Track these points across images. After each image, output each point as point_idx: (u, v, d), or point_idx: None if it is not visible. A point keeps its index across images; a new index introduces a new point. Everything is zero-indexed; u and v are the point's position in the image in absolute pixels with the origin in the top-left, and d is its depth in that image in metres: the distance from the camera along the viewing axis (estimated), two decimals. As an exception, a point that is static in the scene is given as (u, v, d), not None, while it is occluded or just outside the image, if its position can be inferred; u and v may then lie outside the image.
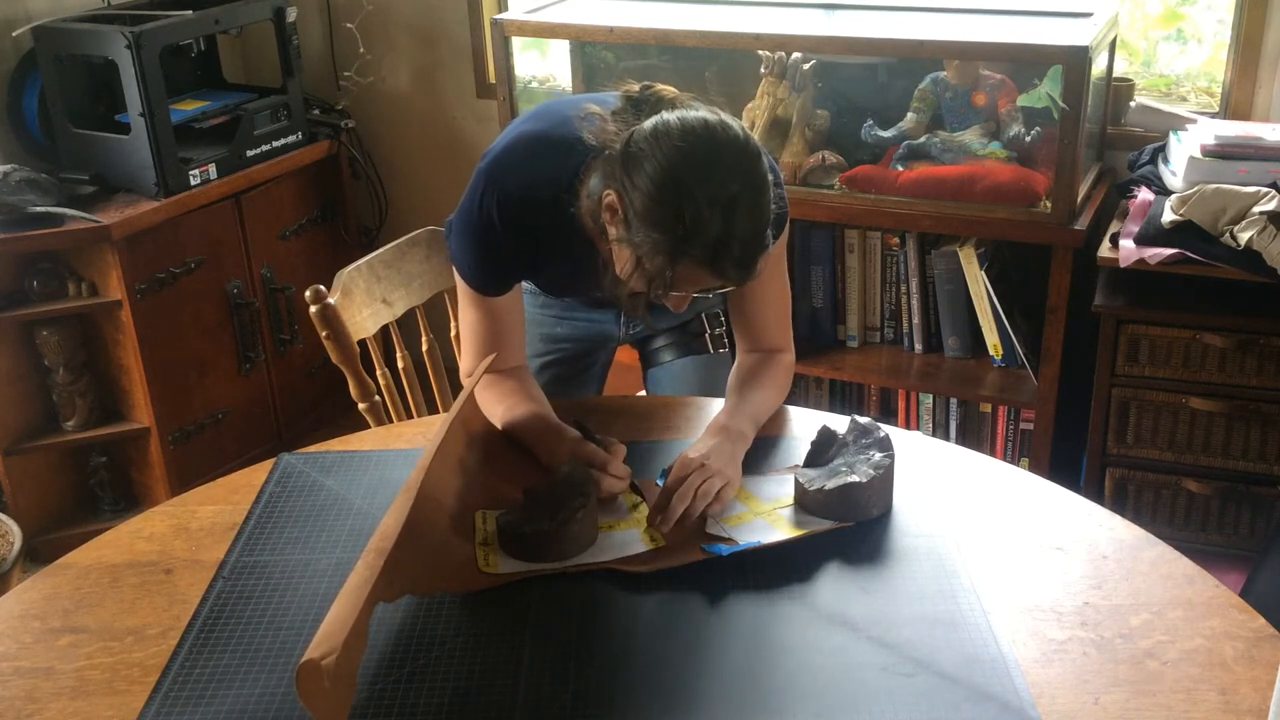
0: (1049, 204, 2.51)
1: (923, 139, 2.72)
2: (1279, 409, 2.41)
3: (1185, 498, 2.54)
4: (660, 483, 1.54)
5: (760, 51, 2.68)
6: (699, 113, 1.42)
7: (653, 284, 1.42)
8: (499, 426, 1.67)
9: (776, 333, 1.75)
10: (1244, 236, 2.28)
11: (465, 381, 1.70)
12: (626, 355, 2.19)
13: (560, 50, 3.16)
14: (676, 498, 1.43)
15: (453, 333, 2.01)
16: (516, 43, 2.91)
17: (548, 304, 1.95)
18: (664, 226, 1.37)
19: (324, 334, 1.90)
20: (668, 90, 1.51)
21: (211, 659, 1.28)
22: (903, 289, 2.81)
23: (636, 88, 1.51)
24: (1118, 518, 1.49)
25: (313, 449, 1.71)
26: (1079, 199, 2.53)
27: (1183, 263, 2.35)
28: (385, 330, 2.05)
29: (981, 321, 2.73)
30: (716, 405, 1.85)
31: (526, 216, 1.59)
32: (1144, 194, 2.53)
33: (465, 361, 1.74)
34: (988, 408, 2.77)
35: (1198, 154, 2.43)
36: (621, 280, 1.48)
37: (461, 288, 1.69)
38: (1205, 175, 2.41)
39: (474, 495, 1.51)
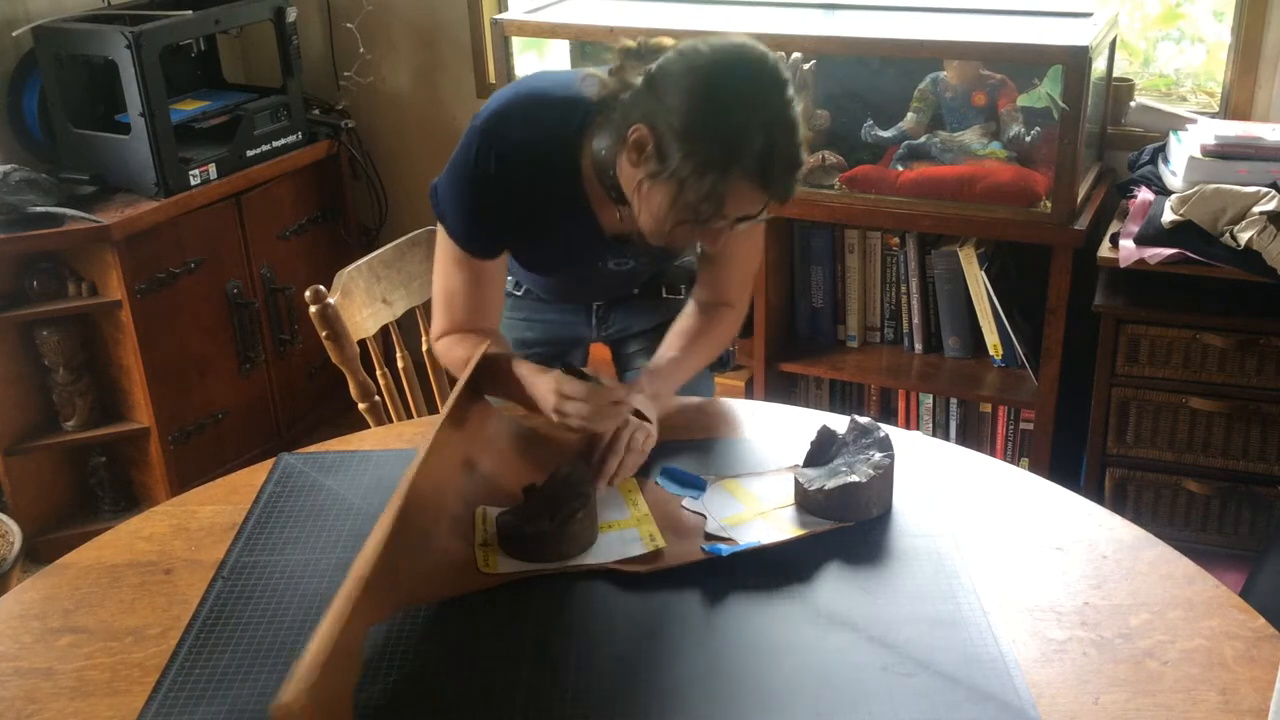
0: (1049, 204, 2.51)
1: (923, 139, 2.72)
2: (1279, 409, 2.41)
3: (1185, 498, 2.54)
4: (659, 483, 1.55)
5: (760, 51, 2.67)
6: (723, 38, 1.42)
7: (701, 209, 1.39)
8: (468, 373, 1.60)
9: (737, 288, 1.75)
10: (1244, 236, 2.28)
11: (436, 345, 1.67)
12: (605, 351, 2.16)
13: (560, 50, 3.16)
14: (611, 454, 1.48)
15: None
16: (516, 43, 2.91)
17: (517, 306, 1.92)
18: (712, 139, 1.36)
19: (324, 334, 1.90)
20: (666, 39, 1.50)
21: (211, 659, 1.28)
22: (903, 289, 2.81)
23: (633, 42, 1.50)
24: (1118, 518, 1.49)
25: (312, 449, 1.71)
26: (1079, 199, 2.53)
27: (1183, 263, 2.35)
28: (385, 330, 2.05)
29: (981, 321, 2.73)
30: (716, 405, 1.85)
31: (526, 174, 1.55)
32: (1144, 194, 2.53)
33: (437, 324, 1.69)
34: (988, 408, 2.77)
35: (1198, 154, 2.43)
36: (654, 226, 1.45)
37: (444, 246, 1.64)
38: (1205, 175, 2.41)
39: (475, 493, 1.51)
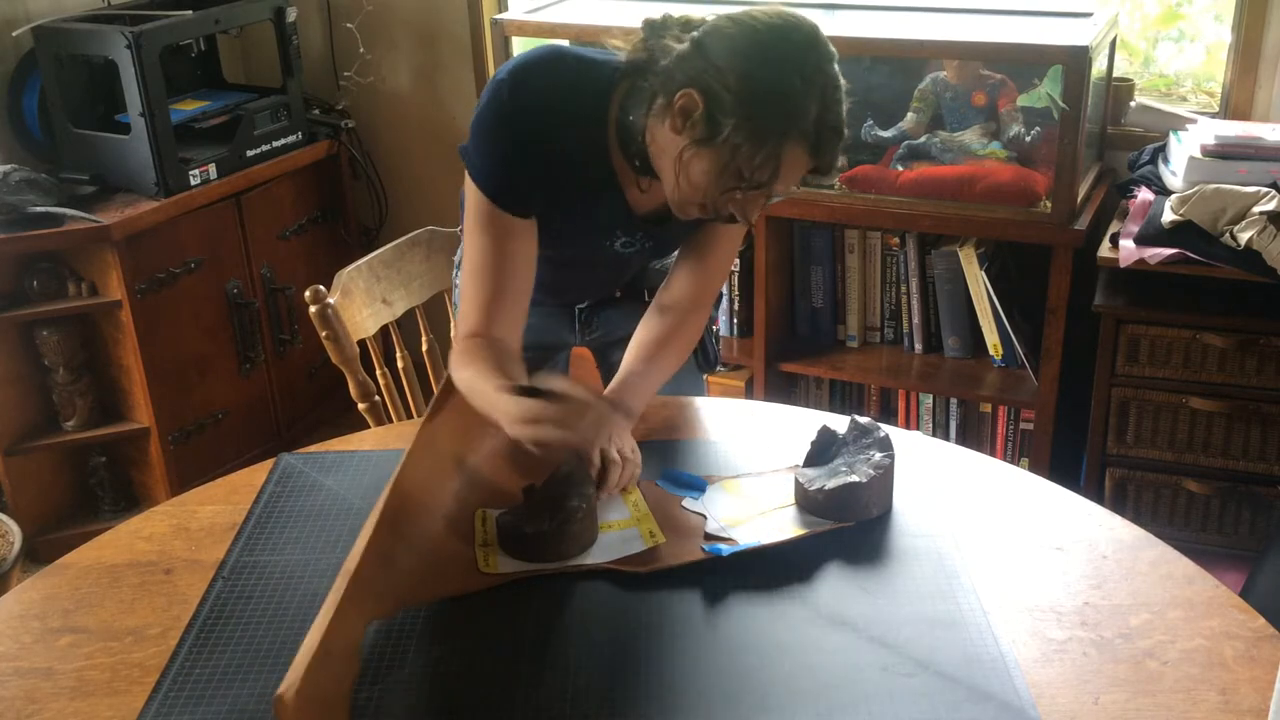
0: (1049, 204, 2.51)
1: (923, 139, 2.72)
2: (1279, 409, 2.41)
3: (1185, 498, 2.54)
4: (660, 484, 1.54)
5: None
6: (770, 6, 1.41)
7: (754, 176, 1.38)
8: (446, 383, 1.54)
9: (712, 291, 1.74)
10: (1244, 236, 2.28)
11: (460, 344, 1.57)
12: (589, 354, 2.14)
13: (560, 50, 3.16)
14: (611, 466, 1.46)
15: (452, 331, 2.01)
16: (516, 43, 2.91)
17: None
18: (771, 105, 1.35)
19: (324, 334, 1.90)
20: (691, 13, 1.49)
21: (211, 659, 1.28)
22: (903, 289, 2.81)
23: (658, 15, 1.49)
24: (1118, 518, 1.49)
25: (312, 449, 1.71)
26: (1079, 199, 2.53)
27: (1183, 263, 2.35)
28: (385, 330, 2.05)
29: (981, 321, 2.73)
30: (714, 404, 1.85)
31: (553, 125, 1.50)
32: (1144, 194, 2.53)
33: (466, 318, 1.58)
34: (988, 408, 2.77)
35: (1198, 154, 2.43)
36: (693, 195, 1.43)
37: (473, 213, 1.56)
38: (1205, 175, 2.41)
39: (474, 494, 1.51)
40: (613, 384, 1.62)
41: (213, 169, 2.86)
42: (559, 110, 1.50)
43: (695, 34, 1.41)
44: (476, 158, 1.54)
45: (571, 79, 1.51)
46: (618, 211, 1.61)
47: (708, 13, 1.46)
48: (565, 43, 3.12)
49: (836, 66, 1.40)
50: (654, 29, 1.48)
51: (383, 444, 1.72)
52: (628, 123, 1.49)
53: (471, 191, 1.56)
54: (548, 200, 1.59)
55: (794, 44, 1.38)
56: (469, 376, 1.52)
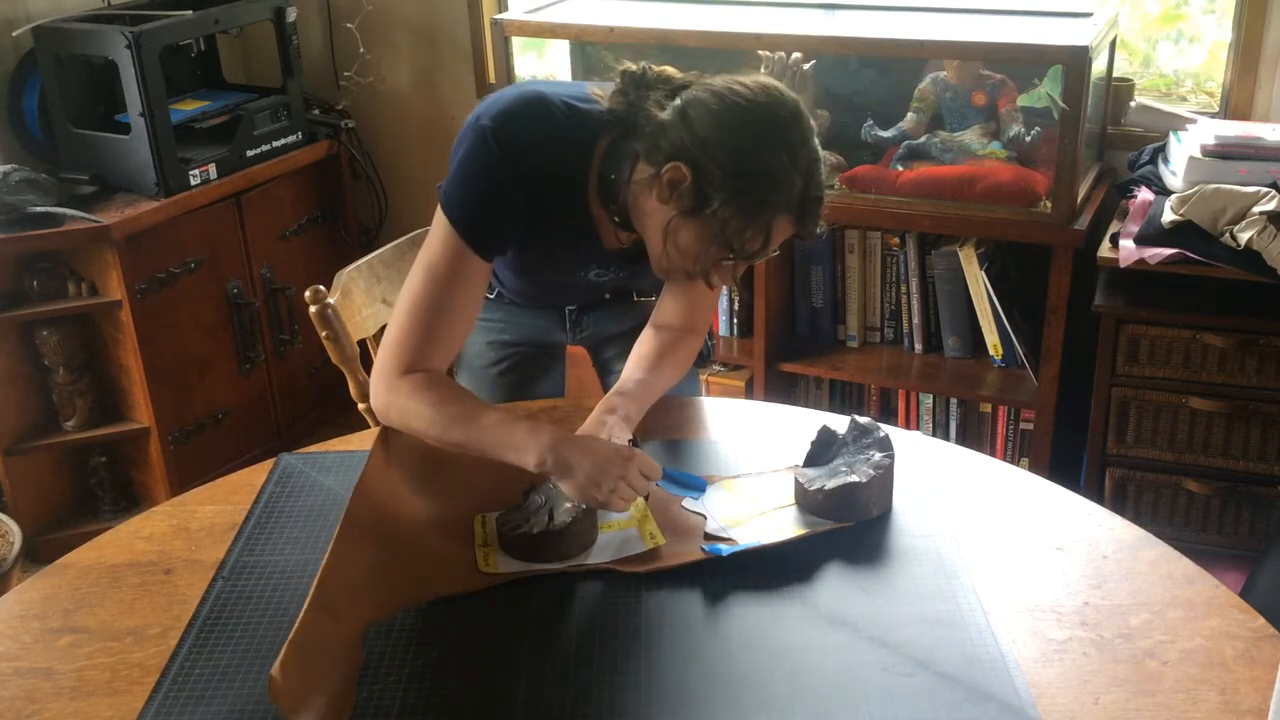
0: (1049, 204, 2.51)
1: (923, 139, 2.72)
2: (1279, 409, 2.41)
3: (1185, 498, 2.54)
4: (660, 484, 1.54)
5: (760, 51, 2.68)
6: (750, 77, 1.43)
7: (745, 248, 1.41)
8: (466, 433, 1.49)
9: (704, 316, 1.75)
10: (1244, 236, 2.28)
11: (406, 381, 1.52)
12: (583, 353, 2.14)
13: (560, 50, 3.16)
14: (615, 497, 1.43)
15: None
16: (516, 43, 2.91)
17: (493, 309, 1.88)
18: (759, 182, 1.38)
19: (324, 334, 1.90)
20: (670, 69, 1.50)
21: (211, 659, 1.28)
22: (903, 289, 2.81)
23: (635, 67, 1.49)
24: (1118, 518, 1.49)
25: (312, 449, 1.71)
26: (1079, 199, 2.53)
27: (1183, 263, 2.35)
28: (385, 330, 2.05)
29: (981, 321, 2.73)
30: (714, 404, 1.85)
31: (534, 172, 1.50)
32: (1144, 194, 2.53)
33: (405, 351, 1.53)
34: (988, 408, 2.77)
35: (1198, 154, 2.43)
36: (681, 262, 1.46)
37: (438, 250, 1.53)
38: (1205, 175, 2.41)
39: (472, 498, 1.51)
40: (613, 390, 1.63)
41: (213, 169, 2.86)
42: (543, 162, 1.51)
43: (678, 103, 1.42)
44: (458, 199, 1.52)
45: (556, 130, 1.51)
46: (593, 250, 1.63)
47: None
48: (567, 42, 3.13)
49: (816, 139, 1.43)
50: (634, 82, 1.49)
51: (383, 444, 1.71)
52: (609, 181, 1.50)
53: (441, 228, 1.54)
54: (521, 242, 1.60)
55: (779, 121, 1.40)
56: (459, 411, 1.50)
